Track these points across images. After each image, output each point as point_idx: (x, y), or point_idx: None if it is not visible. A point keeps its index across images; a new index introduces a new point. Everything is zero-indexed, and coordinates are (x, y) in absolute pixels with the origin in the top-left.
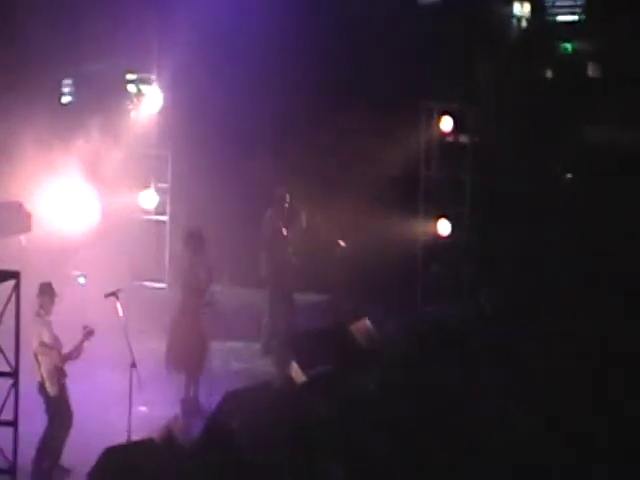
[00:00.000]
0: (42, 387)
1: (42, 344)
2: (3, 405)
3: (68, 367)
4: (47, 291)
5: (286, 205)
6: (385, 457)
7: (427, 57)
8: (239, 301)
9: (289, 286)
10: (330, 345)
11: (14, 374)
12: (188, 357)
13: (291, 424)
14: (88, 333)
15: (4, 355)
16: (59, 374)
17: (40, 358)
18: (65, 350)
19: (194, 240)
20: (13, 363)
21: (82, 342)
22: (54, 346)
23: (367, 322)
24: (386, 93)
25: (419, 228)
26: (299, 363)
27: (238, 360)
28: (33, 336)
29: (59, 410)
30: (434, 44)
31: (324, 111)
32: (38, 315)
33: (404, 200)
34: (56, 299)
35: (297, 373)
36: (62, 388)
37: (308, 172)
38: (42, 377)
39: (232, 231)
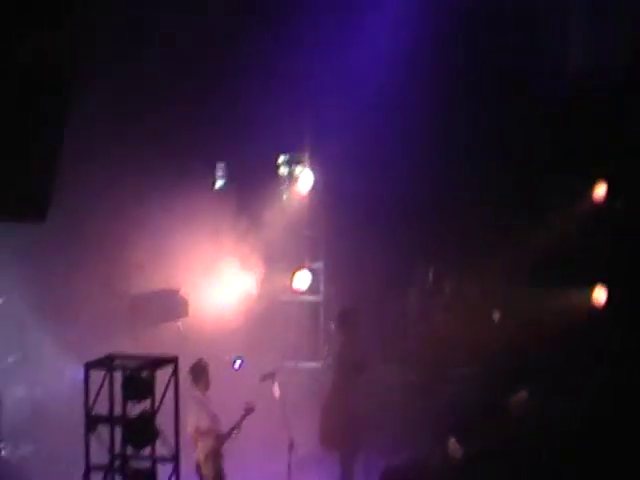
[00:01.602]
0: (198, 469)
1: (198, 430)
2: None
3: (225, 449)
4: (201, 369)
5: (430, 281)
6: None
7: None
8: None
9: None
10: (487, 419)
11: (175, 458)
12: (342, 435)
13: None
14: (249, 409)
15: (165, 440)
16: (215, 456)
17: (197, 441)
18: (224, 429)
19: (348, 319)
20: (174, 447)
21: (243, 418)
22: (211, 429)
23: (524, 395)
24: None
25: (574, 298)
26: (457, 438)
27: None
28: (189, 421)
29: None
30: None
31: (476, 184)
32: (195, 398)
33: (559, 269)
34: (209, 375)
35: (455, 448)
36: (218, 471)
37: (461, 244)
38: (199, 460)
39: (384, 309)
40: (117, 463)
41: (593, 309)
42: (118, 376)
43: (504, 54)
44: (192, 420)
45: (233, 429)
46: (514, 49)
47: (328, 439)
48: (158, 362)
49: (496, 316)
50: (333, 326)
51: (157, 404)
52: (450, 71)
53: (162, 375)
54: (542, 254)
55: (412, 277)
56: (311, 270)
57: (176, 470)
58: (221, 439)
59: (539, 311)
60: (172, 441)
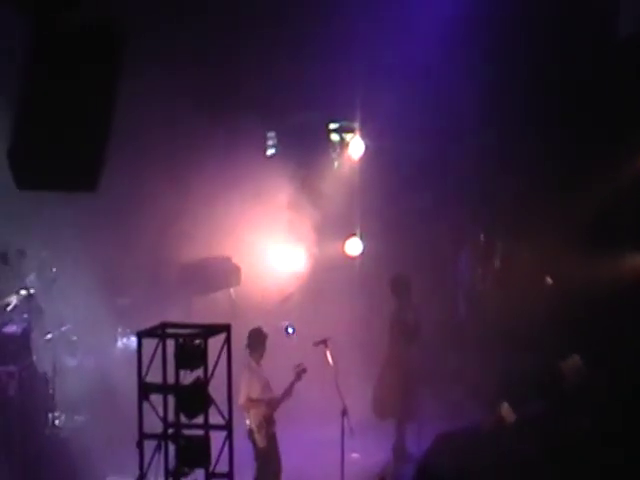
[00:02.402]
0: (251, 436)
1: (249, 400)
2: (218, 457)
3: (278, 416)
4: (258, 338)
5: (481, 244)
6: None
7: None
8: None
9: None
10: (541, 383)
11: (227, 426)
12: (396, 403)
13: (503, 465)
14: (301, 371)
15: (218, 408)
16: (268, 424)
17: (249, 410)
18: (277, 392)
19: (400, 285)
20: (226, 415)
21: (295, 381)
22: (262, 398)
23: (578, 359)
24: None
25: (626, 264)
26: (510, 402)
27: (444, 403)
28: (241, 389)
29: (268, 459)
30: None
31: (526, 146)
32: (248, 366)
33: (611, 237)
34: (265, 345)
35: (508, 413)
36: (271, 438)
37: (512, 211)
38: (251, 427)
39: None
40: (170, 431)
41: None
42: (171, 344)
43: (554, 23)
44: (244, 388)
45: (285, 395)
46: (563, 17)
47: (381, 406)
48: (211, 330)
49: (548, 281)
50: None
51: (210, 372)
52: (500, 39)
53: (215, 343)
54: (593, 220)
55: (463, 243)
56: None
57: (229, 438)
58: (273, 405)
59: (590, 276)
60: (225, 409)
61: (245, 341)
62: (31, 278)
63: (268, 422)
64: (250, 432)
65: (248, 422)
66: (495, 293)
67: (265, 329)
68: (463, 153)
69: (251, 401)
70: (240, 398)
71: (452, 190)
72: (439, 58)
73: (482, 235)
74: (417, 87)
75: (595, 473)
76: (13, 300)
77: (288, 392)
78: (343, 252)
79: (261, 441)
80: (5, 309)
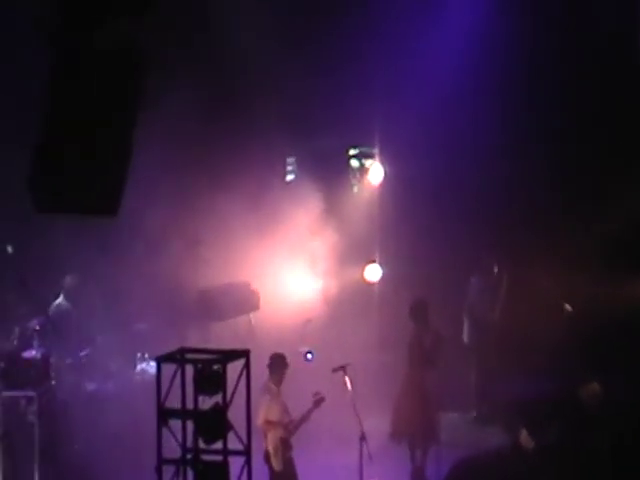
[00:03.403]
0: (267, 460)
1: (267, 422)
2: None
3: (296, 441)
4: (279, 363)
5: (494, 272)
6: None
7: None
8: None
9: (492, 351)
10: (560, 411)
11: (246, 452)
12: (415, 428)
13: None
14: (319, 400)
15: (236, 433)
16: (284, 448)
17: (266, 432)
18: (295, 417)
19: (417, 310)
20: (245, 441)
21: (312, 409)
22: (280, 421)
23: (597, 386)
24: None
25: None
26: (528, 429)
27: (457, 429)
28: (259, 412)
29: None
30: None
31: (541, 172)
32: (267, 390)
33: (627, 260)
34: (286, 371)
35: (526, 440)
36: (288, 462)
37: (529, 234)
38: (267, 450)
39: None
40: (189, 457)
41: None
42: (189, 370)
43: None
44: (262, 411)
45: (302, 420)
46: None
47: (400, 431)
48: (229, 356)
49: (567, 309)
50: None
51: (228, 398)
52: (526, 64)
53: (234, 368)
54: (610, 243)
55: (474, 266)
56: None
57: (248, 463)
58: (290, 430)
59: (608, 300)
60: (244, 434)
61: (267, 362)
62: (56, 303)
63: (285, 446)
64: (267, 455)
65: (265, 445)
66: (503, 322)
67: (288, 359)
68: (480, 176)
69: (269, 423)
70: (258, 420)
71: (468, 213)
72: (459, 83)
73: (492, 258)
74: (435, 113)
75: None
76: (33, 325)
77: (305, 418)
78: (362, 278)
79: (277, 465)
80: (25, 334)
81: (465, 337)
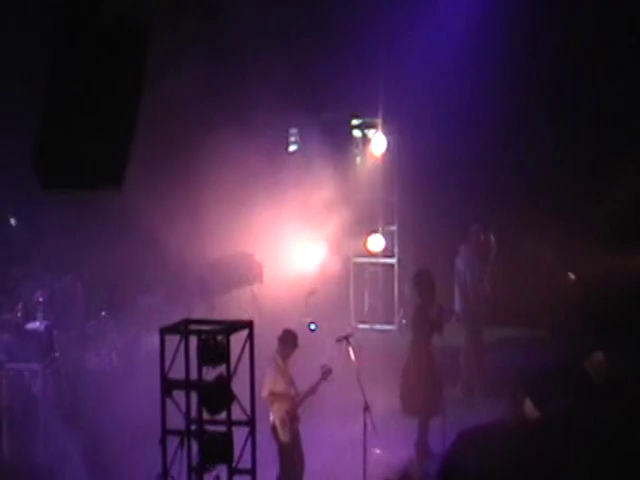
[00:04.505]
0: (274, 432)
1: (272, 393)
2: (241, 454)
3: (301, 412)
4: (291, 340)
5: (480, 240)
6: None
7: None
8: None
9: (482, 321)
10: (563, 381)
11: (250, 423)
12: (423, 400)
13: (527, 463)
14: (326, 372)
15: (240, 404)
16: (291, 420)
17: (272, 404)
18: (301, 390)
19: (422, 281)
20: (249, 412)
21: (319, 381)
22: (286, 393)
23: (601, 356)
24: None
25: None
26: (532, 400)
27: (460, 401)
28: (264, 383)
29: (291, 455)
30: None
31: (550, 142)
32: (274, 362)
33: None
34: (295, 350)
35: (531, 410)
36: (294, 434)
37: (530, 206)
38: (274, 423)
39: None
40: (193, 428)
41: None
42: (193, 341)
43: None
44: (268, 383)
45: (309, 392)
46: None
47: (409, 402)
48: (233, 327)
49: (571, 278)
50: (408, 288)
51: (232, 368)
52: (529, 34)
53: (238, 340)
54: (617, 215)
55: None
56: (385, 232)
57: (252, 434)
58: (297, 402)
59: (611, 272)
60: (247, 405)
61: (280, 335)
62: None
63: (291, 418)
64: (273, 427)
65: (272, 417)
66: (493, 291)
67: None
68: (484, 147)
69: (274, 394)
70: (263, 391)
71: (471, 185)
72: (461, 54)
73: (477, 227)
74: (438, 84)
75: (621, 472)
76: (37, 297)
77: (313, 390)
78: (365, 248)
79: (284, 436)
80: (28, 306)
81: (456, 306)
